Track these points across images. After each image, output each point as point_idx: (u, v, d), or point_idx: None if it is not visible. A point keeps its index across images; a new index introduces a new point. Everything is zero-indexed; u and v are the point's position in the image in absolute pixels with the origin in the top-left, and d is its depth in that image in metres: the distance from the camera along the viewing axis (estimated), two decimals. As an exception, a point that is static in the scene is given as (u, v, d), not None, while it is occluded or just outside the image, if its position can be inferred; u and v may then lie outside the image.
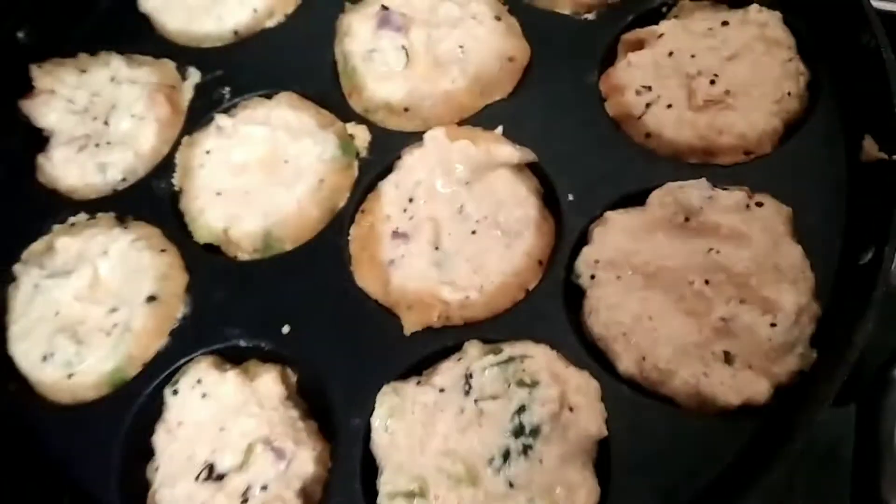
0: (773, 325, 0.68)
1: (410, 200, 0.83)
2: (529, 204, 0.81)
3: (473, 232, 0.81)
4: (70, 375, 0.83)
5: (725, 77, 0.82)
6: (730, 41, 0.84)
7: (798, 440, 0.61)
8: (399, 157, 0.87)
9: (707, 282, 0.72)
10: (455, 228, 0.81)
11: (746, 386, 0.67)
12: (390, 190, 0.85)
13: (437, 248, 0.80)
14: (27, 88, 1.01)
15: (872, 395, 0.92)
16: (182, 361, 0.82)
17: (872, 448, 0.88)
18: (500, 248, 0.79)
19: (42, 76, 1.01)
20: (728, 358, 0.69)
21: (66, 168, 0.96)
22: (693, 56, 0.84)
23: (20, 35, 1.03)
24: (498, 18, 0.90)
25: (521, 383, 0.69)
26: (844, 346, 0.62)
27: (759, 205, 0.75)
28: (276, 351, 0.81)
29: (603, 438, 0.69)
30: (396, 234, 0.82)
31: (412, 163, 0.85)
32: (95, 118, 0.98)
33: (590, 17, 0.92)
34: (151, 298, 0.84)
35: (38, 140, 1.01)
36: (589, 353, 0.74)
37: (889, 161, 0.70)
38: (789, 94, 0.80)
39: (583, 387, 0.70)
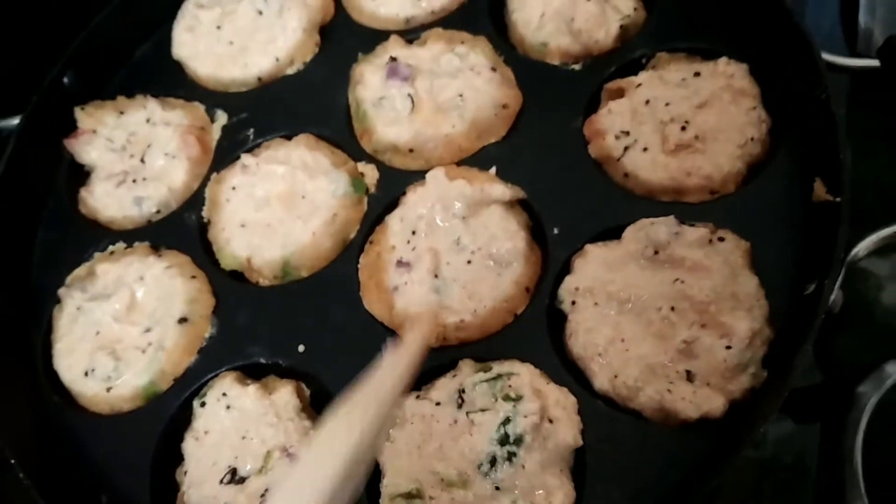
0: (728, 347, 0.77)
1: (413, 233, 0.93)
2: (519, 237, 0.90)
3: (469, 262, 0.90)
4: (109, 389, 0.93)
5: (695, 124, 0.90)
6: (700, 91, 0.92)
7: (744, 449, 0.69)
8: (404, 194, 0.96)
9: (673, 308, 0.81)
10: (452, 258, 0.90)
11: (705, 402, 0.75)
12: (395, 223, 0.94)
13: (436, 276, 0.89)
14: (71, 128, 1.12)
15: (837, 411, 0.99)
16: (209, 377, 0.91)
17: (835, 461, 0.96)
18: (492, 276, 0.88)
19: (85, 117, 1.12)
20: (690, 376, 0.78)
21: (106, 201, 1.07)
22: (667, 104, 0.93)
23: (65, 80, 1.14)
24: (494, 69, 1.00)
25: (507, 398, 0.78)
26: (786, 368, 0.70)
27: (721, 240, 0.83)
28: (293, 367, 0.90)
29: (579, 447, 0.77)
30: (400, 264, 0.91)
31: (415, 199, 0.94)
32: (132, 156, 1.09)
33: (576, 67, 1.01)
34: (183, 320, 0.94)
35: (81, 175, 1.11)
36: (568, 371, 0.82)
37: (834, 203, 0.79)
38: (752, 139, 0.89)
39: (561, 401, 0.79)
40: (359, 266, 0.94)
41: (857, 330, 1.07)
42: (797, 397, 1.01)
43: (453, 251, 0.91)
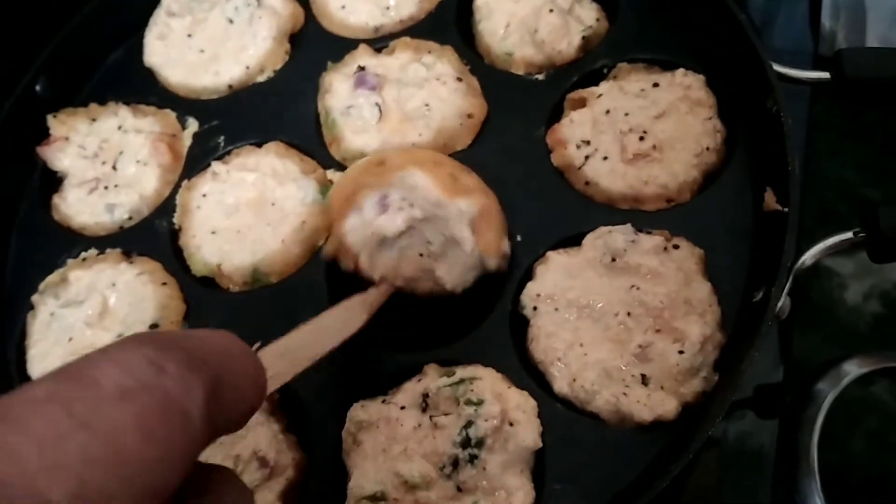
0: (681, 352, 0.80)
1: None
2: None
3: None
4: (82, 394, 0.95)
5: (653, 133, 0.93)
6: (659, 101, 0.95)
7: (694, 449, 0.72)
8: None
9: (629, 314, 0.84)
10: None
11: (658, 405, 0.78)
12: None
13: None
14: (44, 135, 1.13)
15: (794, 408, 1.03)
16: (180, 382, 0.93)
17: (791, 458, 0.99)
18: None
19: (57, 125, 1.13)
20: (644, 380, 0.81)
21: (79, 207, 1.08)
22: (627, 114, 0.95)
23: (38, 88, 1.15)
24: (459, 79, 1.02)
25: (468, 402, 0.81)
26: (734, 372, 0.74)
27: (676, 247, 0.87)
28: (262, 372, 0.93)
29: (539, 449, 0.80)
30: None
31: None
32: (104, 162, 1.10)
33: (540, 77, 1.03)
34: (154, 325, 0.96)
35: (54, 182, 1.12)
36: (530, 375, 0.85)
37: (782, 213, 0.82)
38: (708, 148, 0.92)
39: (522, 405, 0.82)
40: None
41: (821, 328, 1.11)
42: (761, 394, 1.05)
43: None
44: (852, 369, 1.04)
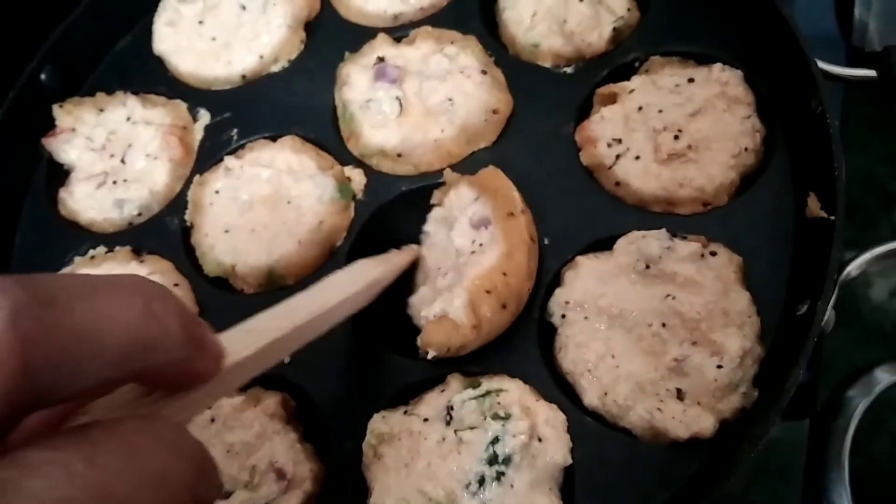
0: (719, 366, 0.76)
1: None
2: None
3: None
4: (92, 398, 0.91)
5: (688, 132, 0.89)
6: (694, 98, 0.91)
7: (735, 472, 0.69)
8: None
9: (664, 325, 0.80)
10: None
11: (695, 421, 0.75)
12: None
13: None
14: (49, 126, 1.09)
15: (825, 415, 1.00)
16: (193, 387, 0.90)
17: (821, 468, 0.96)
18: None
19: (63, 115, 1.09)
20: (680, 395, 0.77)
21: (86, 203, 1.04)
22: (660, 111, 0.91)
23: (43, 77, 1.10)
24: (484, 72, 0.97)
25: (495, 416, 0.77)
26: (777, 391, 0.70)
27: (713, 254, 0.82)
28: (279, 378, 0.89)
29: (568, 466, 0.77)
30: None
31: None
32: (112, 155, 1.06)
33: (568, 70, 0.99)
34: (165, 329, 0.92)
35: (60, 174, 1.09)
36: (558, 386, 0.81)
37: (827, 220, 0.78)
38: (746, 149, 0.87)
39: (551, 419, 0.78)
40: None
41: (847, 325, 1.07)
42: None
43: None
44: (884, 377, 1.01)
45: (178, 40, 1.11)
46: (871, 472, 0.99)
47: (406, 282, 0.90)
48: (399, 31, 1.06)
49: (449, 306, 0.81)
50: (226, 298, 0.95)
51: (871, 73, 0.86)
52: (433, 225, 0.93)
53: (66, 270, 1.01)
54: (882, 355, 1.05)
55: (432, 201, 0.94)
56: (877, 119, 1.21)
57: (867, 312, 1.10)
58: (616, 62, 0.97)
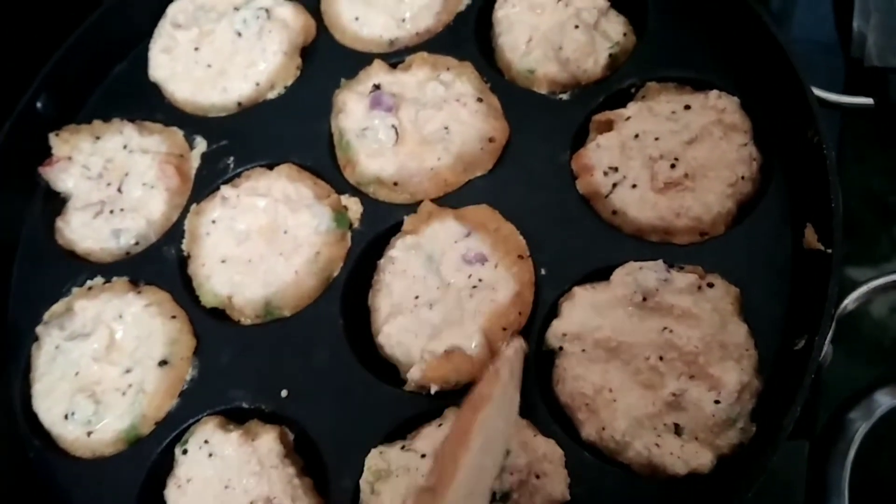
0: (717, 401, 0.76)
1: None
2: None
3: None
4: (90, 433, 0.91)
5: (685, 160, 0.88)
6: (691, 125, 0.90)
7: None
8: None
9: (661, 358, 0.79)
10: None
11: (693, 457, 0.74)
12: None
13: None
14: (46, 154, 1.08)
15: (825, 439, 0.99)
16: (191, 422, 0.90)
17: (822, 489, 0.96)
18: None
19: (60, 144, 1.09)
20: (678, 429, 0.77)
21: (83, 232, 1.04)
22: (657, 139, 0.90)
23: (38, 105, 1.10)
24: (480, 100, 0.97)
25: (493, 453, 0.77)
26: (775, 428, 0.70)
27: (710, 285, 0.82)
28: (276, 413, 0.89)
29: (567, 502, 0.77)
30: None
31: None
32: (109, 184, 1.06)
33: (564, 96, 0.98)
34: (163, 363, 0.92)
35: (56, 203, 1.08)
36: (555, 419, 0.81)
37: (825, 253, 0.77)
38: (743, 177, 0.87)
39: (549, 454, 0.78)
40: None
41: (845, 343, 1.07)
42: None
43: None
44: (885, 400, 1.01)
45: (174, 67, 1.11)
46: (871, 489, 0.98)
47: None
48: (395, 57, 1.06)
49: (463, 342, 0.82)
50: (223, 330, 0.95)
51: (869, 100, 0.85)
52: (402, 251, 0.92)
53: (63, 301, 1.01)
54: (882, 372, 1.04)
55: (404, 228, 0.94)
56: (874, 132, 1.20)
57: (867, 329, 1.09)
58: (612, 88, 0.97)
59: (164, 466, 0.88)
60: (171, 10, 1.15)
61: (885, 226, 1.18)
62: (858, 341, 1.07)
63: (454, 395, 0.83)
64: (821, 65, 0.99)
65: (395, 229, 0.95)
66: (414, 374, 0.85)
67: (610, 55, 0.97)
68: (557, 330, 0.84)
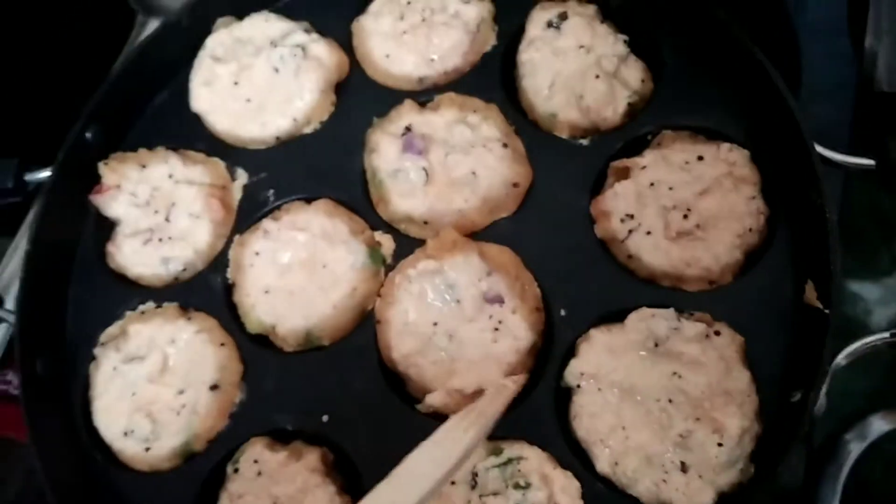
0: (720, 444, 0.84)
1: None
2: (528, 318, 0.96)
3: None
4: (147, 449, 1.00)
5: (697, 211, 0.95)
6: (703, 176, 0.97)
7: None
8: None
9: (670, 401, 0.88)
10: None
11: (696, 494, 0.83)
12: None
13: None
14: (95, 181, 1.15)
15: (819, 458, 1.07)
16: (240, 441, 0.98)
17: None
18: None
19: (108, 172, 1.14)
20: (684, 467, 0.85)
21: (134, 259, 1.11)
22: (670, 188, 0.97)
23: (87, 135, 1.16)
24: (505, 145, 1.04)
25: (516, 486, 0.86)
26: (772, 472, 0.78)
27: (717, 333, 0.90)
28: (318, 434, 0.98)
29: (582, 532, 0.86)
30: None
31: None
32: (157, 212, 1.12)
33: (584, 142, 1.04)
34: (214, 387, 1.00)
35: (106, 229, 1.15)
36: (573, 451, 0.90)
37: (822, 312, 0.85)
38: (751, 229, 0.94)
39: (566, 487, 0.87)
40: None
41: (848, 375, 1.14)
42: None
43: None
44: (880, 425, 1.07)
45: (214, 100, 1.17)
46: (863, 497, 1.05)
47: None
48: (424, 96, 1.12)
49: (488, 384, 0.91)
50: (268, 357, 1.03)
51: (870, 161, 0.92)
52: (422, 274, 0.99)
53: (118, 324, 1.08)
54: (880, 384, 1.11)
55: (428, 251, 1.00)
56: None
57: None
58: (629, 135, 1.03)
59: (216, 482, 0.97)
60: (210, 43, 1.20)
61: (886, 240, 1.24)
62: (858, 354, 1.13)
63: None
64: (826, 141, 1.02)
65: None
66: (433, 400, 0.93)
67: (629, 104, 1.03)
68: (576, 369, 0.92)
